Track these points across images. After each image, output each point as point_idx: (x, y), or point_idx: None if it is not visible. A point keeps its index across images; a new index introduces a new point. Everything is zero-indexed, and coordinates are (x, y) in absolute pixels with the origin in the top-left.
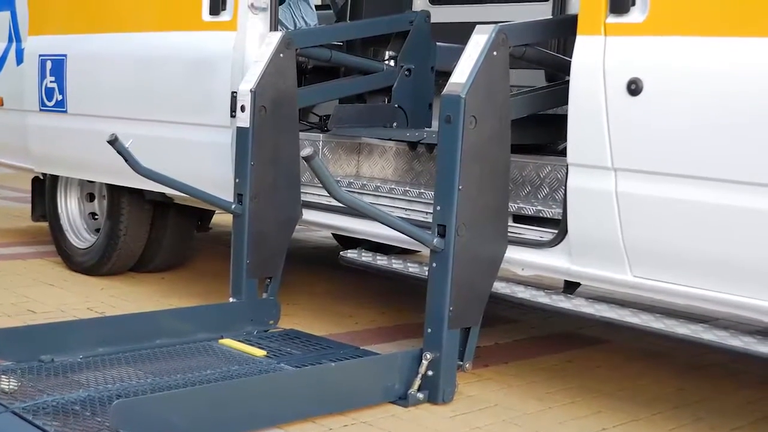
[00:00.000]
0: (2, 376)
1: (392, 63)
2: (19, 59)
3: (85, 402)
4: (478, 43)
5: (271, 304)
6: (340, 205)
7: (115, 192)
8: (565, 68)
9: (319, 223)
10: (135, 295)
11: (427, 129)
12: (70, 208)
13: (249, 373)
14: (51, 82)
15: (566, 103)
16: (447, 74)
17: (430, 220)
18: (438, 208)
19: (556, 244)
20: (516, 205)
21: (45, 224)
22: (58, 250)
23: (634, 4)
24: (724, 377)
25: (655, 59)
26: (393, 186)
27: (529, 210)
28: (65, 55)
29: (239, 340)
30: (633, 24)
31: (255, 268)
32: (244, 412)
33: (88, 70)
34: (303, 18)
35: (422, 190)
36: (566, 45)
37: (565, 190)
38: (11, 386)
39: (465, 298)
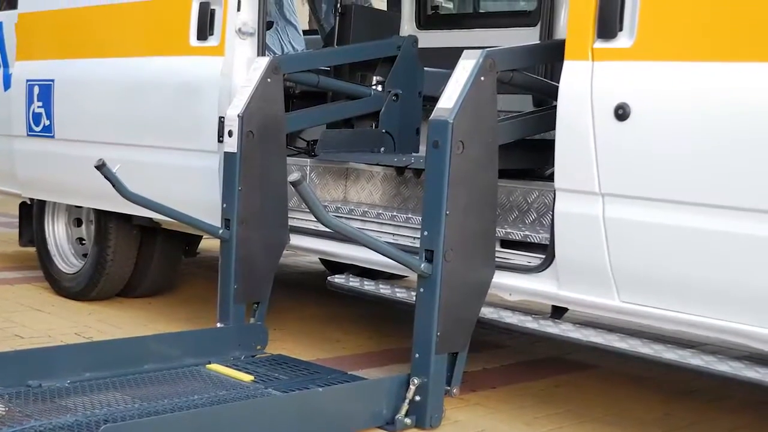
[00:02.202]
0: None
1: (380, 88)
2: (7, 84)
3: (73, 427)
4: (465, 68)
5: (258, 329)
6: (328, 230)
7: (103, 217)
8: (553, 93)
9: (306, 248)
10: (122, 320)
11: (415, 154)
12: (57, 233)
13: (236, 398)
14: (38, 107)
15: (554, 128)
16: (434, 99)
17: (418, 245)
18: (425, 233)
19: (543, 269)
20: (503, 230)
21: (32, 249)
22: (45, 275)
23: (621, 29)
24: (711, 402)
25: (642, 84)
26: (380, 211)
27: (517, 235)
28: (53, 80)
29: (227, 365)
30: (620, 49)
31: (242, 293)
32: None
33: (76, 95)
34: (290, 43)
35: (410, 215)
36: (554, 70)
37: (553, 215)
38: None
39: (452, 323)
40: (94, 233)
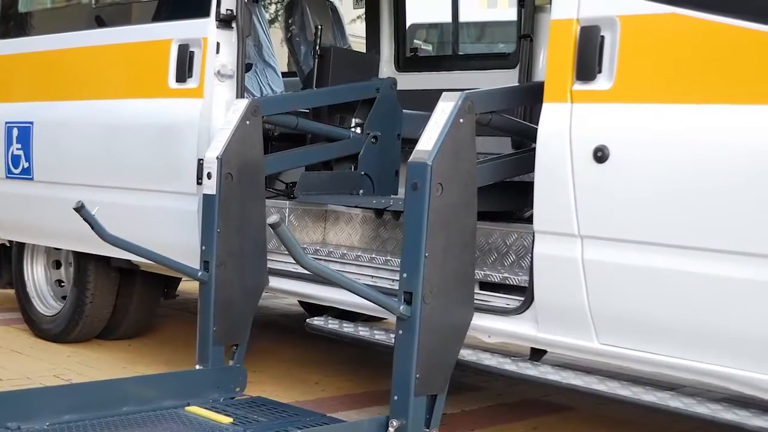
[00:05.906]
0: None
1: (359, 130)
2: None
3: None
4: (444, 110)
5: (237, 371)
6: (307, 272)
7: (82, 259)
8: (532, 135)
9: (285, 291)
10: (101, 363)
11: (394, 196)
12: (36, 275)
13: None
14: (17, 149)
15: (532, 170)
16: (413, 141)
17: (397, 288)
18: (404, 275)
19: (522, 312)
20: (482, 272)
21: (11, 291)
22: (24, 317)
23: (600, 71)
24: None
25: (621, 126)
26: (359, 253)
27: (496, 277)
28: (32, 123)
29: (205, 408)
30: (599, 91)
31: (221, 335)
32: None
33: (55, 138)
34: (269, 85)
35: (389, 258)
36: (533, 112)
37: (532, 258)
38: None
39: (431, 365)
40: (73, 275)
